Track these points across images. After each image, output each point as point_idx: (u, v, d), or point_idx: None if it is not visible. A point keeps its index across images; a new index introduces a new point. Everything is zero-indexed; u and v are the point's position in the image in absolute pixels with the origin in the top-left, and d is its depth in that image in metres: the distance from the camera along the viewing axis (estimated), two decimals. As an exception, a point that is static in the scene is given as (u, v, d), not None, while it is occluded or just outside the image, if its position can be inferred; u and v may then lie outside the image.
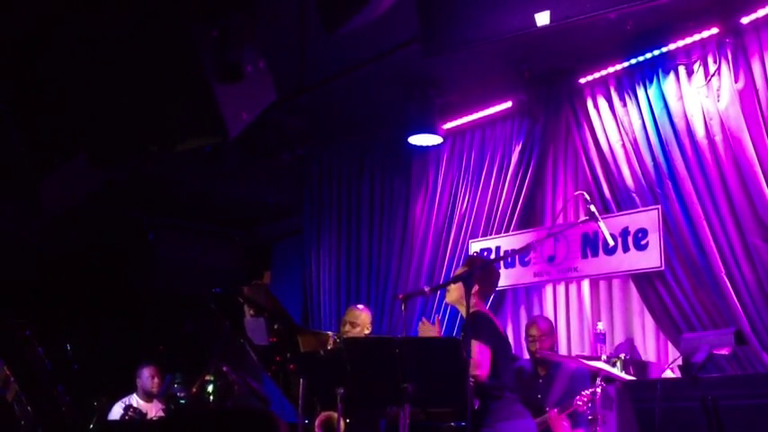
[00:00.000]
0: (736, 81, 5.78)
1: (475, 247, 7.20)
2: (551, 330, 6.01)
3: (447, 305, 6.74)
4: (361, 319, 5.72)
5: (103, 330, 9.15)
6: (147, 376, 7.36)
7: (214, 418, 5.80)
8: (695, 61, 6.03)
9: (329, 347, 5.51)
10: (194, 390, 6.49)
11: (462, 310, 4.64)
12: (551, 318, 6.84)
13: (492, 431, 4.29)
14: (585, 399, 5.15)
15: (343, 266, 8.40)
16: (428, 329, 4.69)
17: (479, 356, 4.32)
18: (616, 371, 5.24)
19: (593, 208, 4.90)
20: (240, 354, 6.68)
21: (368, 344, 4.56)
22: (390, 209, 8.19)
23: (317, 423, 5.37)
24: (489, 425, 4.29)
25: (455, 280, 4.44)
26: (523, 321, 7.02)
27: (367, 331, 5.71)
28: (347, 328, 5.68)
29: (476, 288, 4.42)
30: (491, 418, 4.32)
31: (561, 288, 6.87)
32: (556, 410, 5.43)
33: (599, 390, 5.09)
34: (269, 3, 5.27)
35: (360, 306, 6.08)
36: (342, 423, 4.83)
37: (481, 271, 4.54)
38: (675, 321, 5.96)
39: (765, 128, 5.62)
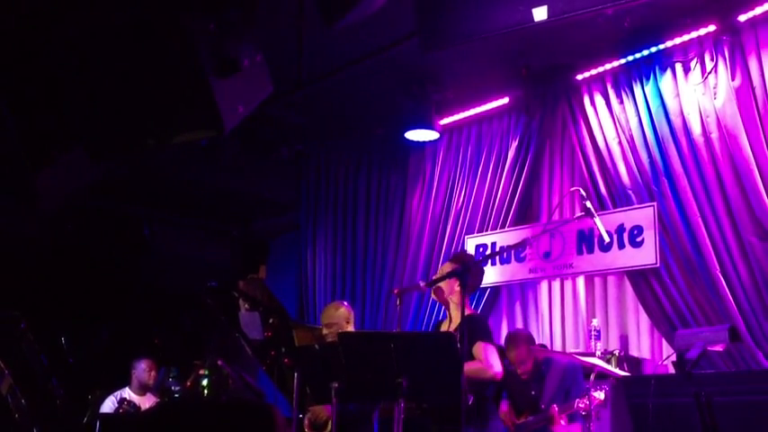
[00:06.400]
0: (732, 79, 5.80)
1: (471, 242, 7.21)
2: (529, 347, 5.84)
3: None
4: (336, 317, 5.46)
5: (98, 324, 9.14)
6: (143, 369, 7.35)
7: (211, 411, 5.79)
8: (692, 59, 6.04)
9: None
10: (189, 383, 6.49)
11: (450, 306, 4.65)
12: (546, 314, 6.86)
13: (486, 431, 4.31)
14: (586, 402, 5.10)
15: (339, 261, 8.41)
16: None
17: (492, 356, 4.32)
18: (611, 367, 5.25)
19: (588, 204, 4.89)
20: (235, 348, 6.68)
21: (363, 338, 4.56)
22: (387, 204, 8.20)
23: (306, 423, 5.35)
24: (482, 424, 4.30)
25: (451, 275, 4.43)
26: (518, 318, 7.04)
27: (348, 327, 5.48)
28: (325, 330, 5.54)
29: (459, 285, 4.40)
30: (483, 416, 4.33)
31: (556, 284, 6.88)
32: (557, 408, 5.41)
33: (602, 395, 5.06)
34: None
35: (334, 303, 5.87)
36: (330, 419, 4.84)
37: (475, 266, 4.54)
38: (670, 318, 5.97)
39: (761, 126, 5.63)
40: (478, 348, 4.33)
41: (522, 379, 5.74)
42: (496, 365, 4.32)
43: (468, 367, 4.24)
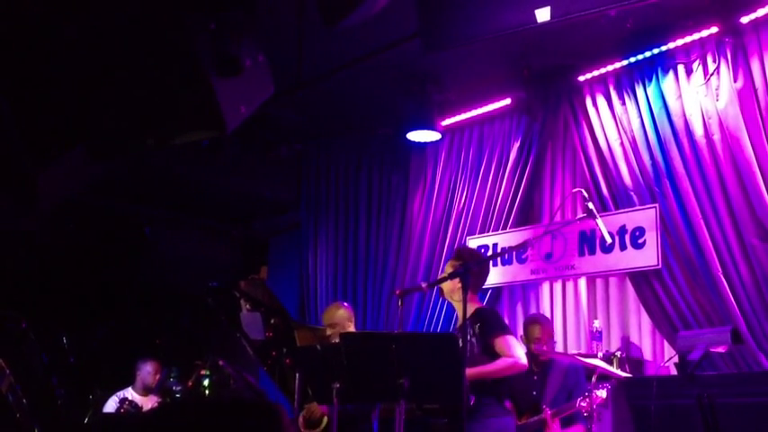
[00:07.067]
0: (735, 80, 5.78)
1: (472, 243, 7.20)
2: (552, 332, 5.98)
3: (443, 301, 6.75)
4: (339, 317, 5.59)
5: (99, 323, 9.13)
6: (149, 372, 7.34)
7: (215, 411, 5.78)
8: (694, 60, 6.03)
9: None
10: (190, 384, 6.49)
11: (455, 304, 4.64)
12: (547, 316, 6.84)
13: (481, 426, 4.29)
14: (587, 402, 5.09)
15: (340, 262, 8.40)
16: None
17: (516, 349, 4.33)
18: (612, 369, 5.23)
19: (590, 206, 4.88)
20: (236, 348, 6.68)
21: (364, 339, 4.55)
22: (388, 205, 8.19)
23: (300, 420, 5.35)
24: (479, 419, 4.29)
25: (453, 276, 4.42)
26: (520, 319, 7.01)
27: (350, 327, 5.57)
28: (328, 331, 5.60)
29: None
30: (482, 413, 4.32)
31: (558, 286, 6.87)
32: (549, 412, 5.41)
33: (603, 393, 5.05)
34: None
35: (335, 304, 5.96)
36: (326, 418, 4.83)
37: (477, 265, 4.54)
38: (672, 320, 5.96)
39: (764, 128, 5.62)
40: (500, 344, 4.32)
41: (540, 360, 5.73)
42: (523, 357, 4.34)
43: (497, 366, 4.27)
